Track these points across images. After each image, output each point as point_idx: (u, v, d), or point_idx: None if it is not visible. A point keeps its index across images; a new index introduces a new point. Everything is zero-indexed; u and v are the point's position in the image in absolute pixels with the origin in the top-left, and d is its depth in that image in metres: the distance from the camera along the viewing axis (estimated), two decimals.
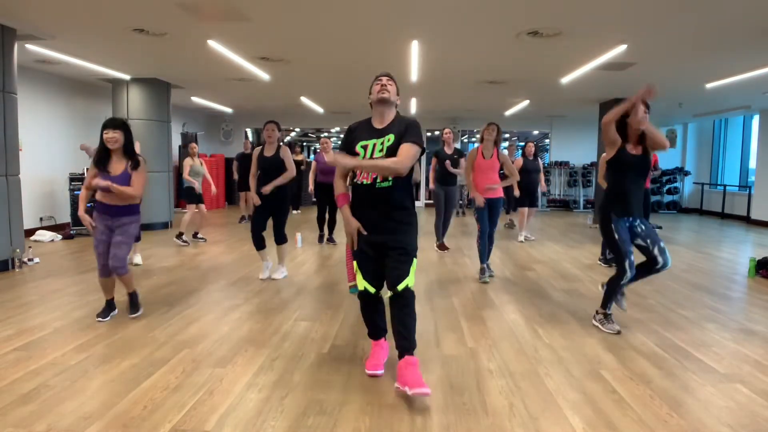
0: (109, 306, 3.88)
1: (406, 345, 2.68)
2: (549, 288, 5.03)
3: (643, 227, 3.59)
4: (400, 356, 2.68)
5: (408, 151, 2.67)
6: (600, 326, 3.74)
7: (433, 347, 3.34)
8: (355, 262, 2.87)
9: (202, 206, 7.43)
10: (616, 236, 3.55)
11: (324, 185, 7.37)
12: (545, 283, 5.21)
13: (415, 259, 2.77)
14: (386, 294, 2.80)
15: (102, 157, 3.61)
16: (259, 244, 5.14)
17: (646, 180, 3.70)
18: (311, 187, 7.67)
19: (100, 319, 3.79)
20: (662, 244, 3.56)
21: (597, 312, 3.82)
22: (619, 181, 3.61)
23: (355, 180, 2.82)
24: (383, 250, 2.77)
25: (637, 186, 3.57)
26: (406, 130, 2.73)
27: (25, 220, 6.15)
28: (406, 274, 2.71)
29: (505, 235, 8.71)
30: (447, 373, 2.93)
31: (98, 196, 3.67)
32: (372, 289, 2.83)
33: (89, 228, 3.69)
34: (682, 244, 8.03)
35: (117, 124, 3.60)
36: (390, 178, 2.71)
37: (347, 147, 2.84)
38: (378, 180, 2.72)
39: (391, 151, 2.70)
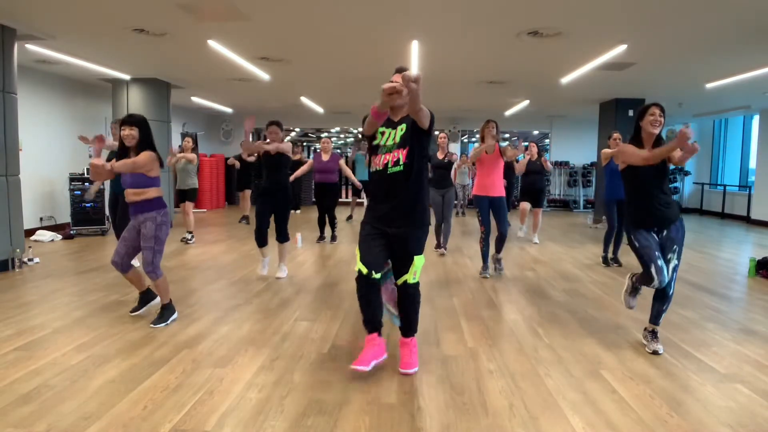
0: (143, 297, 3.91)
1: (405, 328, 3.02)
2: (549, 288, 5.03)
3: (666, 234, 3.29)
4: (401, 335, 3.03)
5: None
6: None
7: (433, 347, 3.34)
8: (357, 245, 2.91)
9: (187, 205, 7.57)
10: (637, 244, 3.32)
11: (322, 185, 7.45)
12: (545, 283, 5.21)
13: (417, 257, 2.90)
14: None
15: (120, 154, 3.62)
16: (262, 241, 5.14)
17: (668, 182, 3.39)
18: (291, 178, 7.56)
19: (132, 313, 3.84)
20: (669, 256, 3.26)
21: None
22: (635, 192, 3.37)
23: (371, 168, 2.96)
24: (391, 240, 2.87)
25: (655, 193, 3.29)
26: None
27: (25, 220, 6.14)
28: (406, 270, 2.90)
29: None
30: (447, 373, 2.93)
31: (125, 196, 3.68)
32: (365, 270, 2.75)
33: (90, 143, 3.48)
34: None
35: (134, 121, 3.60)
36: (401, 164, 2.81)
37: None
38: (389, 165, 2.83)
39: (404, 139, 2.85)
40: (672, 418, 2.43)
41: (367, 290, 2.81)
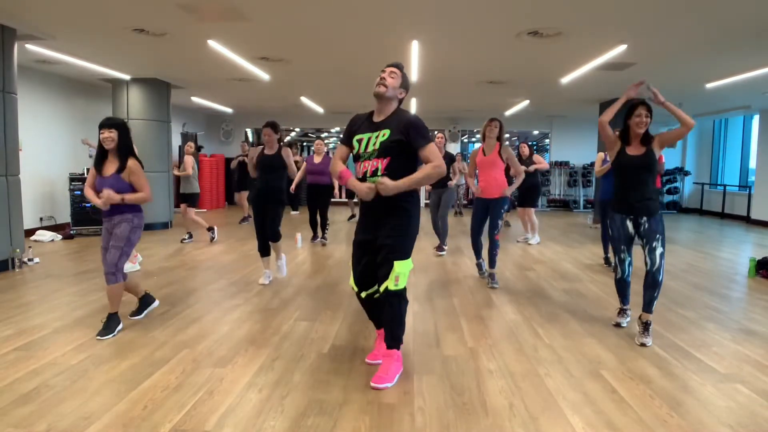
0: (142, 302, 3.86)
1: (387, 339, 2.86)
2: (549, 288, 5.03)
3: (647, 227, 3.49)
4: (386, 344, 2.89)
5: (433, 151, 2.68)
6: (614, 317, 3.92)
7: (433, 347, 3.34)
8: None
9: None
10: (610, 232, 3.72)
11: (314, 186, 7.52)
12: (545, 283, 5.21)
13: (398, 263, 2.68)
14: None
15: (98, 157, 3.56)
16: (263, 250, 5.00)
17: (655, 178, 3.65)
18: (293, 186, 7.73)
19: (131, 317, 3.77)
20: (654, 244, 3.44)
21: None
22: (618, 180, 3.65)
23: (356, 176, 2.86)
24: (373, 247, 2.77)
25: (639, 185, 3.51)
26: (408, 131, 2.66)
27: (25, 220, 6.14)
28: (386, 277, 2.69)
29: (503, 236, 8.70)
30: (447, 373, 2.93)
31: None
32: (355, 288, 2.90)
33: (99, 203, 3.47)
34: (682, 244, 8.03)
35: (112, 123, 3.53)
36: (379, 173, 2.67)
37: (347, 139, 2.85)
38: (368, 174, 2.71)
39: (384, 147, 2.65)
40: (672, 418, 2.43)
41: (364, 302, 2.96)
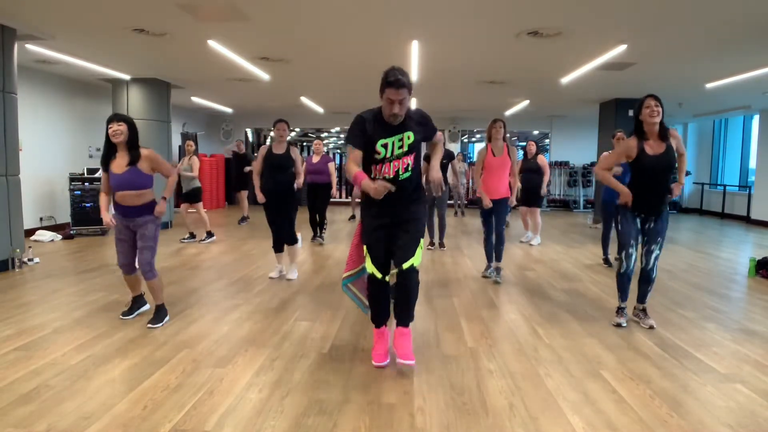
0: (136, 302, 3.91)
1: (403, 317, 2.98)
2: (549, 288, 5.03)
3: (653, 225, 3.61)
4: (397, 324, 2.99)
5: (438, 134, 3.17)
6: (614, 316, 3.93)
7: (433, 347, 3.34)
8: (364, 246, 3.00)
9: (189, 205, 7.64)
10: (619, 227, 3.71)
11: (313, 185, 7.57)
12: (545, 283, 5.21)
13: (422, 240, 2.99)
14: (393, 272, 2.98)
15: (106, 154, 3.56)
16: (278, 246, 5.17)
17: (669, 175, 3.63)
18: (299, 182, 7.81)
19: (123, 317, 3.80)
20: (653, 247, 3.62)
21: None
22: (636, 180, 3.61)
23: (374, 176, 2.93)
24: (395, 231, 2.94)
25: (656, 184, 3.52)
26: (426, 122, 3.02)
27: (25, 220, 6.14)
28: (413, 253, 2.89)
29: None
30: (447, 373, 2.93)
31: (116, 197, 3.60)
32: (379, 275, 2.95)
33: (110, 224, 3.64)
34: (682, 244, 8.03)
35: (122, 117, 3.55)
36: (410, 168, 2.94)
37: (362, 144, 2.88)
38: (400, 172, 2.91)
39: (413, 148, 2.94)
40: (672, 418, 2.43)
41: (380, 291, 3.00)
